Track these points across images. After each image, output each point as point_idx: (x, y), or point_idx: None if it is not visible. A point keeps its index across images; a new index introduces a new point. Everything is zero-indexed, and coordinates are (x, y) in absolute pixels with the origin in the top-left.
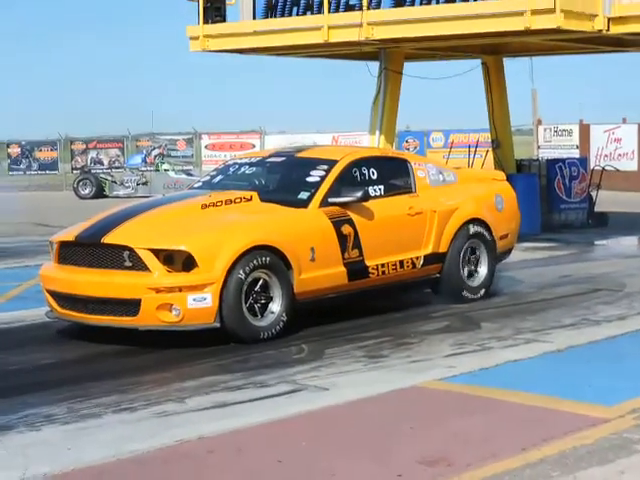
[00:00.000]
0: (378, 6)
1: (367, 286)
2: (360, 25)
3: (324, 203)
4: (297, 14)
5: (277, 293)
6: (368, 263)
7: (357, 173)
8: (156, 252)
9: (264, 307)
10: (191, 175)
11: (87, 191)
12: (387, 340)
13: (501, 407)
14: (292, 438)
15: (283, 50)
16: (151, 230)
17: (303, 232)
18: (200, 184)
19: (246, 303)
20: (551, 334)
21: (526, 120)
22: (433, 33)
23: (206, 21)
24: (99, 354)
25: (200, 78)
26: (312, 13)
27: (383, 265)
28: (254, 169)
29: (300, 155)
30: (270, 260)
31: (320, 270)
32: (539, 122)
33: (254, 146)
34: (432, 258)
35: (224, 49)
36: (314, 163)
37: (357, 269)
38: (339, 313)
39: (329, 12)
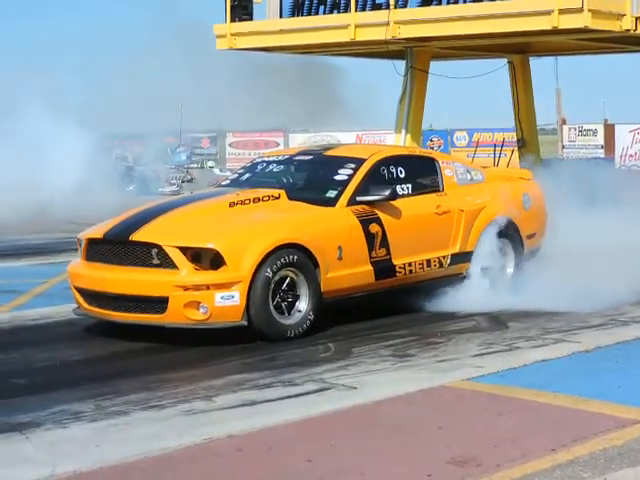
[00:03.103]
0: (405, 5)
1: (394, 285)
2: (387, 24)
3: (352, 202)
4: (324, 13)
5: (304, 291)
6: (395, 262)
7: (385, 172)
8: (184, 250)
9: (291, 305)
10: None
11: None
12: (414, 339)
13: (530, 408)
14: (321, 437)
15: (309, 48)
16: (179, 228)
17: (330, 230)
18: (228, 182)
19: (273, 301)
20: (579, 334)
21: (549, 119)
22: (460, 32)
23: (233, 19)
24: (127, 351)
25: (225, 77)
26: (339, 12)
27: (410, 264)
28: (282, 167)
29: (328, 153)
30: (297, 258)
31: (347, 269)
32: (563, 122)
33: (278, 144)
34: (459, 257)
35: (251, 47)
36: (342, 162)
37: (384, 268)
38: (365, 312)
39: (356, 11)
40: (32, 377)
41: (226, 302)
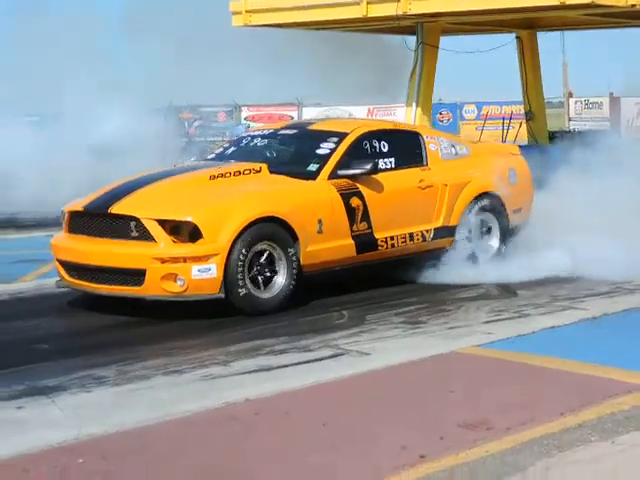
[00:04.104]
0: None
1: (376, 258)
2: (398, 0)
3: (333, 175)
4: None
5: (282, 265)
6: (377, 236)
7: (367, 146)
8: (162, 223)
9: (269, 279)
10: None
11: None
12: (425, 307)
13: (539, 373)
14: (336, 401)
15: (322, 24)
16: (158, 201)
17: (310, 204)
18: (213, 156)
19: (250, 275)
20: (586, 302)
21: (556, 93)
22: (469, 8)
23: None
24: (144, 320)
25: (241, 52)
26: None
27: (392, 238)
28: (266, 141)
29: (312, 128)
30: (275, 232)
31: (327, 242)
32: (570, 95)
33: (292, 118)
34: (443, 231)
35: (266, 24)
36: (325, 136)
37: (366, 242)
38: (374, 281)
39: None
40: (56, 343)
41: (203, 275)
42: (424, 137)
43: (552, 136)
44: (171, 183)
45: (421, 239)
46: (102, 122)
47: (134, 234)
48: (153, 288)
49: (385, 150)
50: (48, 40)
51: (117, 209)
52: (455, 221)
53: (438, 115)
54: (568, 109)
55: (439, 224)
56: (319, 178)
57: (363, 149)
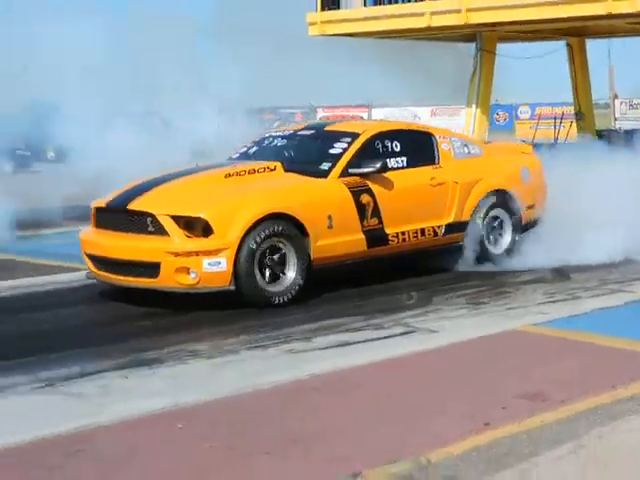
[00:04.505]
0: None
1: (387, 253)
2: (459, 11)
3: (344, 174)
4: (402, 1)
5: (292, 260)
6: (388, 231)
7: (379, 145)
8: (176, 218)
9: (279, 273)
10: None
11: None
12: (485, 290)
13: (591, 349)
14: (405, 374)
15: (389, 33)
16: (173, 198)
17: (320, 200)
18: (237, 155)
19: (260, 269)
20: (634, 285)
21: (602, 95)
22: (523, 18)
23: (323, 8)
24: (228, 300)
25: (316, 58)
26: (416, 1)
27: (403, 233)
28: (285, 141)
29: (328, 129)
30: (285, 227)
31: (338, 237)
32: (615, 96)
33: (362, 118)
34: (454, 226)
35: (338, 33)
36: (339, 136)
37: (376, 236)
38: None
39: (431, 0)
40: (156, 321)
41: (213, 268)
42: (437, 137)
43: (600, 134)
44: (188, 181)
45: (432, 234)
46: (199, 123)
47: (150, 229)
48: (167, 280)
49: (397, 149)
50: (143, 42)
51: (135, 205)
52: (467, 217)
53: (495, 115)
54: (614, 109)
55: (450, 220)
56: (330, 176)
57: (375, 149)
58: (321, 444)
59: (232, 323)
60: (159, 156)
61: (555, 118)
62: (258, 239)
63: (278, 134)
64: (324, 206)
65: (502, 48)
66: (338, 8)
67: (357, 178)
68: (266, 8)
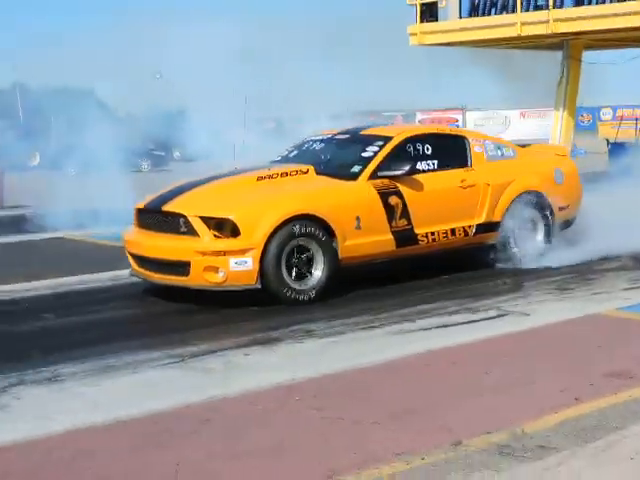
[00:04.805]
0: (562, 5)
1: (417, 252)
2: (547, 21)
3: (374, 176)
4: (495, 13)
5: (319, 259)
6: (417, 231)
7: (411, 149)
8: (206, 220)
9: (306, 272)
10: None
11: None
12: (571, 277)
13: None
14: (500, 353)
15: (483, 42)
16: (205, 200)
17: (348, 202)
18: (279, 158)
19: (287, 268)
20: None
21: None
22: (608, 27)
23: (422, 21)
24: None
25: (416, 65)
26: (507, 12)
27: (433, 233)
28: (323, 145)
29: (363, 133)
30: (312, 228)
31: (366, 237)
32: None
33: (457, 121)
34: (486, 226)
35: (436, 43)
36: (372, 140)
37: (406, 236)
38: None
39: (521, 11)
40: (269, 304)
41: (240, 267)
42: (470, 140)
43: None
44: (221, 184)
45: (463, 234)
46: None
47: (183, 230)
48: (197, 278)
49: (429, 153)
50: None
51: (168, 207)
52: (499, 217)
53: (580, 117)
54: None
55: (481, 220)
56: (360, 179)
57: (406, 152)
58: (425, 415)
59: (342, 307)
60: (268, 155)
61: (637, 119)
62: (285, 239)
63: (318, 138)
64: (352, 208)
65: (588, 55)
66: (436, 20)
67: (386, 180)
68: (372, 24)
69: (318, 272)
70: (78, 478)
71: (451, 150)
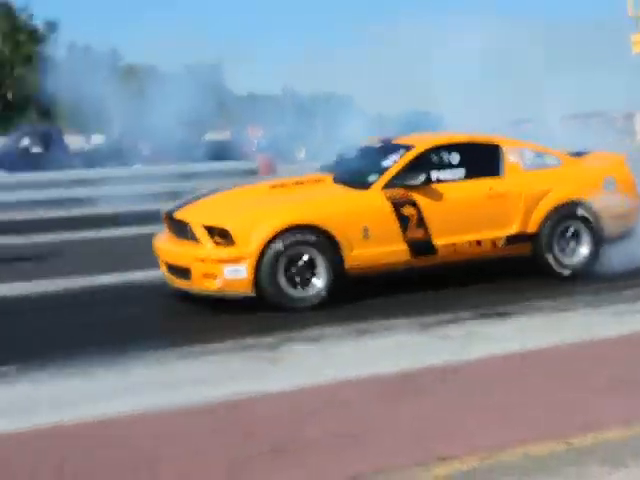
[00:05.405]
0: None
1: (437, 262)
2: None
3: (389, 185)
4: None
5: (321, 268)
6: (437, 241)
7: (435, 158)
8: (207, 228)
9: (307, 280)
10: None
11: None
12: None
13: None
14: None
15: None
16: (211, 209)
17: (355, 211)
18: (320, 166)
19: (285, 276)
20: None
21: None
22: None
23: None
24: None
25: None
26: None
27: (454, 244)
28: (359, 154)
29: (394, 141)
30: (312, 238)
31: (375, 247)
32: None
33: None
34: (516, 238)
35: None
36: (397, 148)
37: (423, 247)
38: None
39: None
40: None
41: (234, 275)
42: (504, 148)
43: None
44: (233, 192)
45: (490, 245)
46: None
47: (190, 236)
48: (198, 284)
49: (455, 162)
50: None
51: (178, 214)
52: (534, 228)
53: None
54: None
55: (513, 231)
56: (373, 188)
57: (430, 161)
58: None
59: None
60: None
61: None
62: (282, 248)
63: (364, 146)
64: (359, 217)
65: None
66: None
67: (402, 190)
68: (596, 34)
69: (320, 281)
70: (338, 422)
71: (481, 159)
